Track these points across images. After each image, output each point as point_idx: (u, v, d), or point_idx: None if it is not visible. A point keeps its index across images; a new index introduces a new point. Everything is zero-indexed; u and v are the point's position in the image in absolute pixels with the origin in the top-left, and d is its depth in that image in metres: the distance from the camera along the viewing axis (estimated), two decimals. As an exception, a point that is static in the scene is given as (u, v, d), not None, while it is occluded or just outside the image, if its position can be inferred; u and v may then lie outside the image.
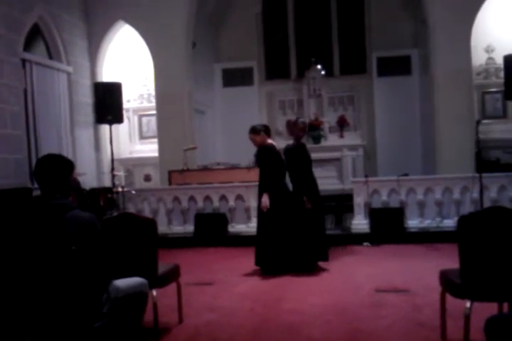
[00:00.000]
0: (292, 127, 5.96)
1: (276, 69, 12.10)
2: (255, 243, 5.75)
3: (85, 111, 9.14)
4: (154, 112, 9.65)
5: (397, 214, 7.25)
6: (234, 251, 6.89)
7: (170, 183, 8.20)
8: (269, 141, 5.85)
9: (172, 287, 3.93)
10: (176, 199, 7.92)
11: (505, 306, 3.33)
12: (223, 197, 7.80)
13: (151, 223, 3.73)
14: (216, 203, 7.79)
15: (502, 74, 8.59)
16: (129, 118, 10.18)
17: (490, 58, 9.63)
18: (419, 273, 5.25)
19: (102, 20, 9.40)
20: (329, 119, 11.33)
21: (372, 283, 4.93)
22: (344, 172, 10.87)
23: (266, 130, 5.88)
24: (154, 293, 3.53)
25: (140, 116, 10.40)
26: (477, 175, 6.81)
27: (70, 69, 8.69)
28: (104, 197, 7.23)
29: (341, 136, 11.33)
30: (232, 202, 7.74)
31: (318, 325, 3.80)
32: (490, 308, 3.16)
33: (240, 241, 7.27)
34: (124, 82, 9.32)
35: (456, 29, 8.82)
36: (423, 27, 9.65)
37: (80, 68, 9.06)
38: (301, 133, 5.89)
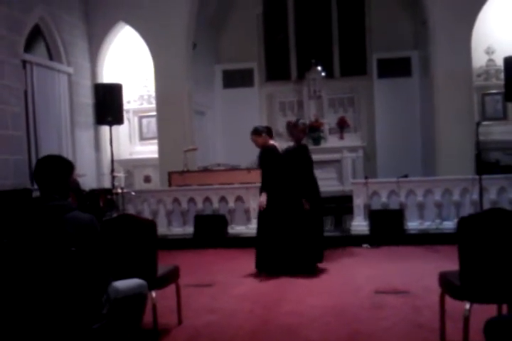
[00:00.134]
0: (292, 129, 5.97)
1: (276, 71, 12.11)
2: (255, 245, 5.76)
3: (85, 112, 9.15)
4: (154, 113, 9.66)
5: (397, 215, 7.24)
6: (233, 253, 6.89)
7: (170, 184, 8.20)
8: (271, 142, 5.86)
9: (171, 288, 3.93)
10: (176, 200, 7.92)
11: (505, 308, 3.33)
12: (223, 199, 7.80)
13: (151, 224, 3.74)
14: (216, 204, 7.79)
15: (502, 75, 8.58)
16: (129, 120, 10.19)
17: (490, 60, 9.65)
18: (418, 274, 5.25)
19: (102, 21, 9.42)
20: (329, 121, 11.33)
21: (372, 285, 4.92)
22: (344, 174, 10.86)
23: (268, 131, 5.91)
24: (153, 294, 3.53)
25: (140, 117, 10.41)
26: (477, 176, 6.82)
27: (70, 70, 8.70)
28: (104, 198, 7.23)
29: (341, 138, 11.33)
30: (231, 204, 7.74)
31: (317, 327, 3.80)
32: (489, 310, 3.16)
33: (240, 242, 7.26)
34: (125, 83, 9.31)
35: (457, 31, 8.83)
36: (423, 28, 9.66)
37: (80, 69, 9.07)
38: (301, 134, 5.90)
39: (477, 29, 8.93)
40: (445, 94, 8.91)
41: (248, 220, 7.64)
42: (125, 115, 9.49)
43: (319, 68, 11.38)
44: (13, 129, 7.12)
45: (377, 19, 11.30)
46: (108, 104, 8.62)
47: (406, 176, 7.76)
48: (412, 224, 7.33)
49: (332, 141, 11.24)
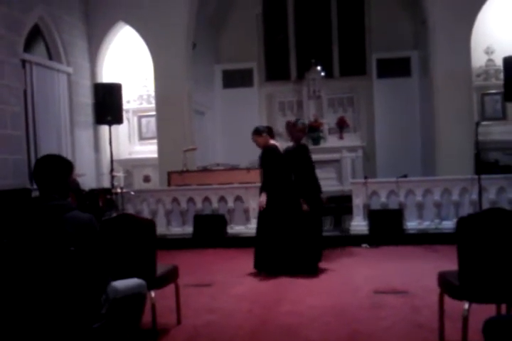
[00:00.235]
0: (292, 128, 5.97)
1: (276, 71, 12.12)
2: (254, 245, 5.76)
3: (85, 111, 9.15)
4: (154, 113, 9.66)
5: (396, 215, 7.25)
6: (233, 253, 6.89)
7: (169, 184, 8.19)
8: (272, 142, 5.87)
9: (170, 288, 3.93)
10: (175, 200, 7.92)
11: (504, 308, 3.33)
12: (222, 199, 7.80)
13: (150, 224, 3.73)
14: (215, 204, 7.79)
15: (502, 75, 8.59)
16: (128, 119, 10.19)
17: (490, 60, 9.65)
18: (417, 274, 5.25)
19: (102, 21, 9.42)
20: (329, 121, 11.34)
21: (371, 285, 4.93)
22: (343, 174, 10.87)
23: (269, 131, 5.92)
24: (153, 294, 3.52)
25: (140, 117, 10.41)
26: (476, 176, 6.82)
27: (69, 70, 8.70)
28: (103, 198, 7.23)
29: (341, 138, 11.34)
30: (231, 203, 7.74)
31: (316, 327, 3.80)
32: (488, 310, 3.16)
33: (239, 242, 7.26)
34: (124, 83, 9.30)
35: (456, 31, 8.83)
36: (423, 28, 9.67)
37: (79, 69, 9.07)
38: (300, 134, 5.89)
39: (477, 29, 8.93)
40: (445, 94, 8.92)
41: (247, 220, 7.64)
42: (124, 115, 9.48)
43: (319, 68, 11.39)
44: (13, 129, 7.12)
45: (377, 19, 11.31)
46: (107, 104, 8.62)
47: (405, 176, 7.76)
48: (412, 224, 7.33)
49: (331, 141, 11.25)
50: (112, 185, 7.81)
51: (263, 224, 5.71)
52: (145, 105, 10.31)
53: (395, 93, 10.87)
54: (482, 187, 6.69)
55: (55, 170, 2.69)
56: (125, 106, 9.52)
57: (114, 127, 8.80)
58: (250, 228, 7.26)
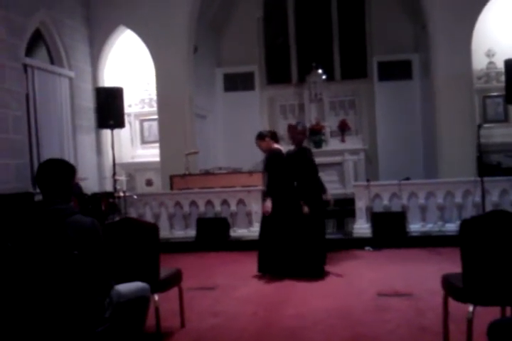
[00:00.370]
0: (292, 131, 5.98)
1: (277, 74, 12.13)
2: (257, 248, 5.75)
3: (87, 115, 9.17)
4: (156, 117, 9.67)
5: (399, 218, 7.24)
6: (236, 256, 6.88)
7: (171, 188, 8.20)
8: (276, 146, 5.87)
9: (174, 291, 3.92)
10: (178, 203, 7.92)
11: (508, 310, 3.32)
12: (225, 202, 7.80)
13: (153, 228, 3.73)
14: (218, 208, 7.79)
15: (503, 78, 8.60)
16: (130, 123, 10.20)
17: (491, 62, 9.65)
18: (421, 277, 5.24)
19: (103, 25, 9.45)
20: (330, 124, 11.35)
21: (375, 288, 4.92)
22: (346, 177, 10.88)
23: (272, 136, 5.92)
24: (156, 297, 3.52)
25: (141, 121, 10.42)
26: (479, 179, 6.82)
27: (71, 74, 8.72)
28: (106, 201, 7.23)
29: (342, 141, 11.35)
30: (233, 207, 7.74)
31: (320, 330, 3.79)
32: (492, 312, 3.15)
33: (242, 245, 7.26)
34: (126, 87, 9.34)
35: (457, 33, 8.84)
36: (424, 31, 9.67)
37: (81, 73, 9.09)
38: (301, 136, 5.88)
39: (477, 32, 8.94)
40: (446, 97, 8.92)
41: (250, 223, 7.64)
42: (126, 119, 9.50)
43: (320, 71, 11.42)
44: (15, 133, 7.13)
45: (378, 22, 11.34)
46: (109, 108, 8.64)
47: (408, 179, 7.75)
48: (415, 227, 7.32)
49: (333, 144, 11.26)
50: (115, 188, 7.82)
51: (266, 227, 5.70)
52: (147, 109, 10.32)
53: (396, 96, 10.87)
54: (485, 190, 6.69)
55: (58, 174, 2.69)
56: (127, 110, 9.55)
57: (116, 131, 8.83)
58: (253, 231, 7.26)
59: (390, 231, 7.12)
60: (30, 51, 7.85)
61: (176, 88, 9.30)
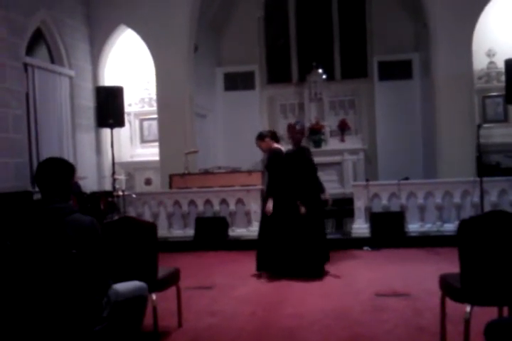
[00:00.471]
0: (291, 131, 5.99)
1: (277, 73, 12.13)
2: (256, 247, 5.75)
3: (87, 114, 9.17)
4: (155, 116, 9.67)
5: (398, 218, 7.24)
6: (234, 255, 6.89)
7: (170, 187, 8.20)
8: (276, 145, 5.87)
9: (172, 291, 3.93)
10: (177, 203, 7.92)
11: (506, 310, 3.33)
12: (224, 201, 7.80)
13: (152, 227, 3.74)
14: (216, 207, 7.79)
15: (503, 78, 8.60)
16: (130, 122, 10.20)
17: (491, 62, 9.65)
18: (419, 277, 5.25)
19: (104, 24, 9.44)
20: (330, 123, 11.34)
21: (373, 288, 4.92)
22: (345, 176, 10.88)
23: (272, 135, 5.93)
24: (154, 296, 3.53)
25: (141, 120, 10.42)
26: (478, 179, 6.82)
27: (72, 73, 8.72)
28: (105, 200, 7.23)
29: (342, 140, 11.34)
30: (232, 206, 7.74)
31: (318, 330, 3.80)
32: (490, 312, 3.16)
33: (241, 245, 7.26)
34: (126, 86, 9.35)
35: (458, 33, 8.84)
36: (424, 31, 9.67)
37: (81, 72, 9.09)
38: (299, 136, 5.91)
39: (478, 32, 8.94)
40: (446, 97, 8.92)
41: (249, 223, 7.64)
42: (126, 118, 9.51)
43: (320, 71, 11.41)
44: (15, 132, 7.13)
45: (378, 22, 11.33)
46: (109, 107, 8.65)
47: (407, 179, 7.76)
48: (413, 227, 7.33)
49: (333, 144, 11.25)
50: (114, 187, 7.82)
51: (265, 226, 5.70)
52: (147, 108, 10.32)
53: (396, 95, 10.87)
54: (484, 190, 6.69)
55: (57, 173, 2.69)
56: (127, 109, 9.55)
57: (115, 130, 8.83)
58: (252, 231, 7.27)
59: (389, 231, 7.13)
60: (30, 50, 7.85)
61: (176, 87, 9.30)
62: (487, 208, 6.62)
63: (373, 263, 6.17)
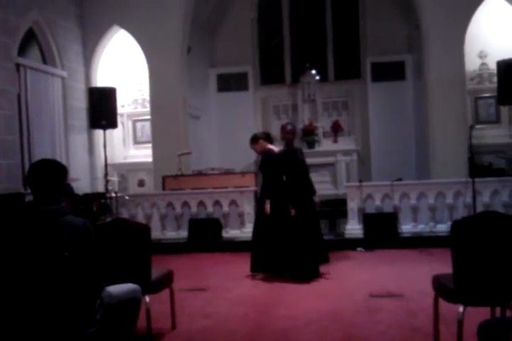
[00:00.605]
0: (282, 131, 5.98)
1: (271, 75, 12.14)
2: (250, 248, 5.75)
3: (79, 115, 9.13)
4: (148, 117, 9.65)
5: (391, 219, 7.26)
6: (228, 257, 6.88)
7: (164, 188, 8.18)
8: (270, 146, 5.87)
9: (165, 293, 3.91)
10: (170, 204, 7.90)
11: (498, 311, 3.34)
12: (217, 203, 7.79)
13: (145, 228, 3.72)
14: (210, 208, 7.78)
15: (495, 79, 8.66)
16: (123, 124, 10.17)
17: (483, 64, 9.70)
18: (412, 278, 5.26)
19: (96, 25, 9.41)
20: (323, 124, 11.36)
21: (367, 288, 4.92)
22: (338, 177, 10.89)
23: (266, 137, 5.94)
24: (147, 299, 3.51)
25: (134, 121, 10.39)
26: (470, 179, 6.84)
27: (64, 73, 8.69)
28: (98, 202, 7.21)
29: (335, 141, 11.36)
30: (226, 208, 7.73)
31: (312, 331, 3.80)
32: (483, 313, 3.17)
33: (234, 246, 7.26)
34: (119, 87, 9.32)
35: (450, 35, 8.88)
36: (417, 32, 9.71)
37: (74, 73, 9.05)
38: (290, 136, 5.85)
39: (470, 33, 8.98)
40: (439, 98, 8.95)
41: (242, 224, 7.64)
42: (119, 119, 9.48)
43: (313, 72, 11.43)
44: (6, 133, 7.10)
45: (371, 23, 11.36)
46: (102, 108, 8.62)
47: (400, 179, 7.78)
48: (406, 227, 7.35)
49: (326, 145, 11.26)
50: (107, 189, 7.79)
51: (259, 227, 5.70)
52: (140, 109, 10.28)
53: (389, 97, 10.90)
54: (476, 191, 6.72)
55: (50, 174, 2.67)
56: (120, 110, 9.52)
57: (108, 131, 8.79)
58: (245, 232, 7.27)
59: (382, 232, 7.14)
60: (22, 51, 7.82)
61: (170, 88, 9.29)
62: (479, 209, 6.65)
63: (367, 264, 6.19)
